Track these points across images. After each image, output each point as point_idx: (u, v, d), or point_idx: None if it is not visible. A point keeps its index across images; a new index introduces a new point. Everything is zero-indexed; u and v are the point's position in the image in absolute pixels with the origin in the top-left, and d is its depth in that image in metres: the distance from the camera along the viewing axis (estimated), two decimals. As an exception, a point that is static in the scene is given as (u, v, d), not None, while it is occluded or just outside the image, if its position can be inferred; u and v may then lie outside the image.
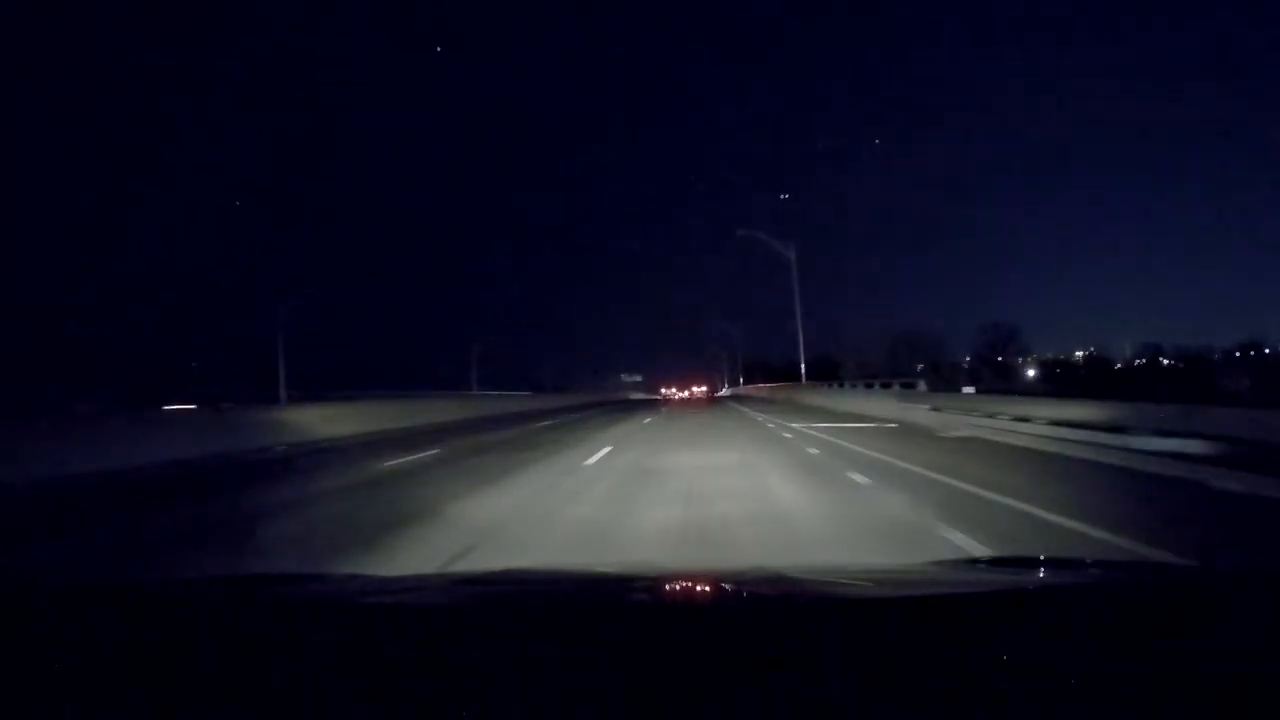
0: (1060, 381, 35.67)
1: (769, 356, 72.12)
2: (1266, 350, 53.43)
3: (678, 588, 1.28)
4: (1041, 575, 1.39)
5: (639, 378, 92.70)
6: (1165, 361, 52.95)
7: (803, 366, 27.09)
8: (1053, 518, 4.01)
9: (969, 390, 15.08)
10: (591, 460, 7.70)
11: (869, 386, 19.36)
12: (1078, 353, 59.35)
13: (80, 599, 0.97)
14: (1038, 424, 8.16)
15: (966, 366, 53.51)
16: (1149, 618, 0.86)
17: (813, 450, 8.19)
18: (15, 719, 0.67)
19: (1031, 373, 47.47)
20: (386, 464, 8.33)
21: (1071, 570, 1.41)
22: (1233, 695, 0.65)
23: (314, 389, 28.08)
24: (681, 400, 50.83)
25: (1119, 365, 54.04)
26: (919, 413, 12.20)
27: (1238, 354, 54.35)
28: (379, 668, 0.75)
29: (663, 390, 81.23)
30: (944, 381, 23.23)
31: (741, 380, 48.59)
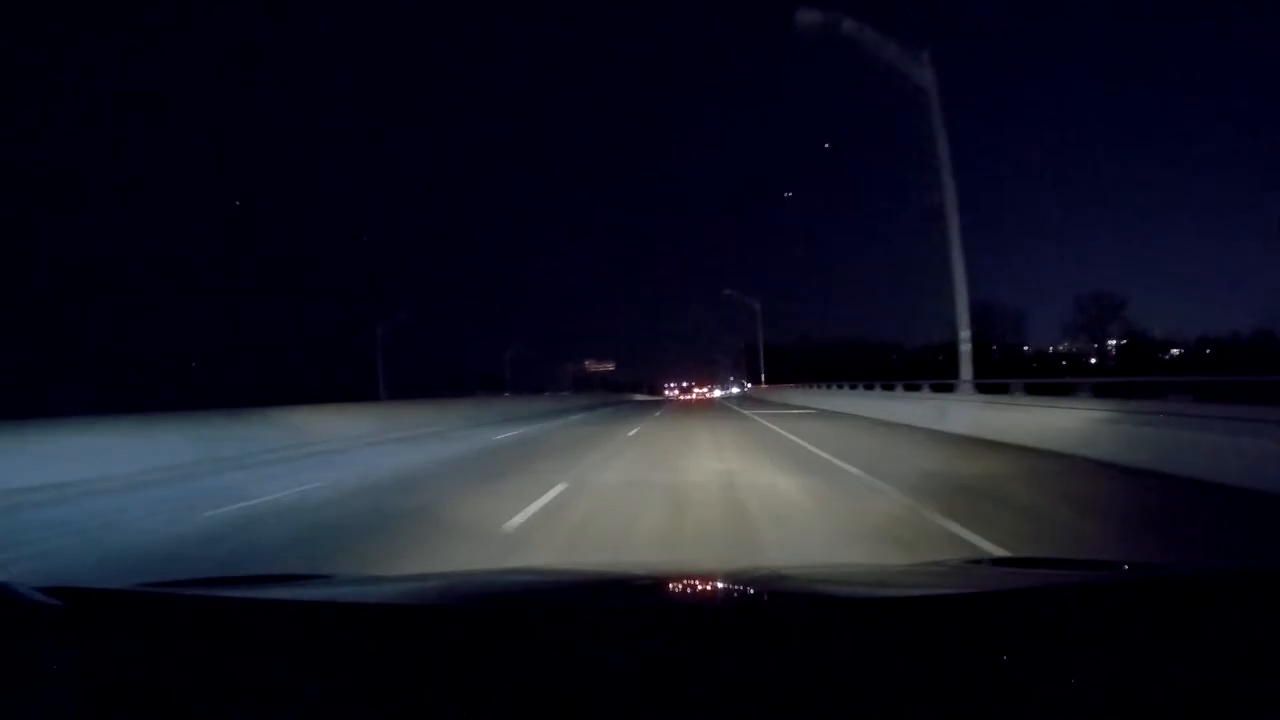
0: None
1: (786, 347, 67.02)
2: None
3: (678, 588, 1.27)
4: (1043, 575, 1.38)
5: (611, 365, 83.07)
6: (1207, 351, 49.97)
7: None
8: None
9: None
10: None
11: (887, 389, 18.06)
12: (1110, 342, 55.65)
13: (78, 601, 0.96)
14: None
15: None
16: (1152, 619, 0.84)
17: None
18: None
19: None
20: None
21: (1073, 571, 1.41)
22: (1234, 696, 0.67)
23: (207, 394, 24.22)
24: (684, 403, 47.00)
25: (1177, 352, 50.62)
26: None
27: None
28: (378, 668, 0.74)
29: (665, 390, 79.12)
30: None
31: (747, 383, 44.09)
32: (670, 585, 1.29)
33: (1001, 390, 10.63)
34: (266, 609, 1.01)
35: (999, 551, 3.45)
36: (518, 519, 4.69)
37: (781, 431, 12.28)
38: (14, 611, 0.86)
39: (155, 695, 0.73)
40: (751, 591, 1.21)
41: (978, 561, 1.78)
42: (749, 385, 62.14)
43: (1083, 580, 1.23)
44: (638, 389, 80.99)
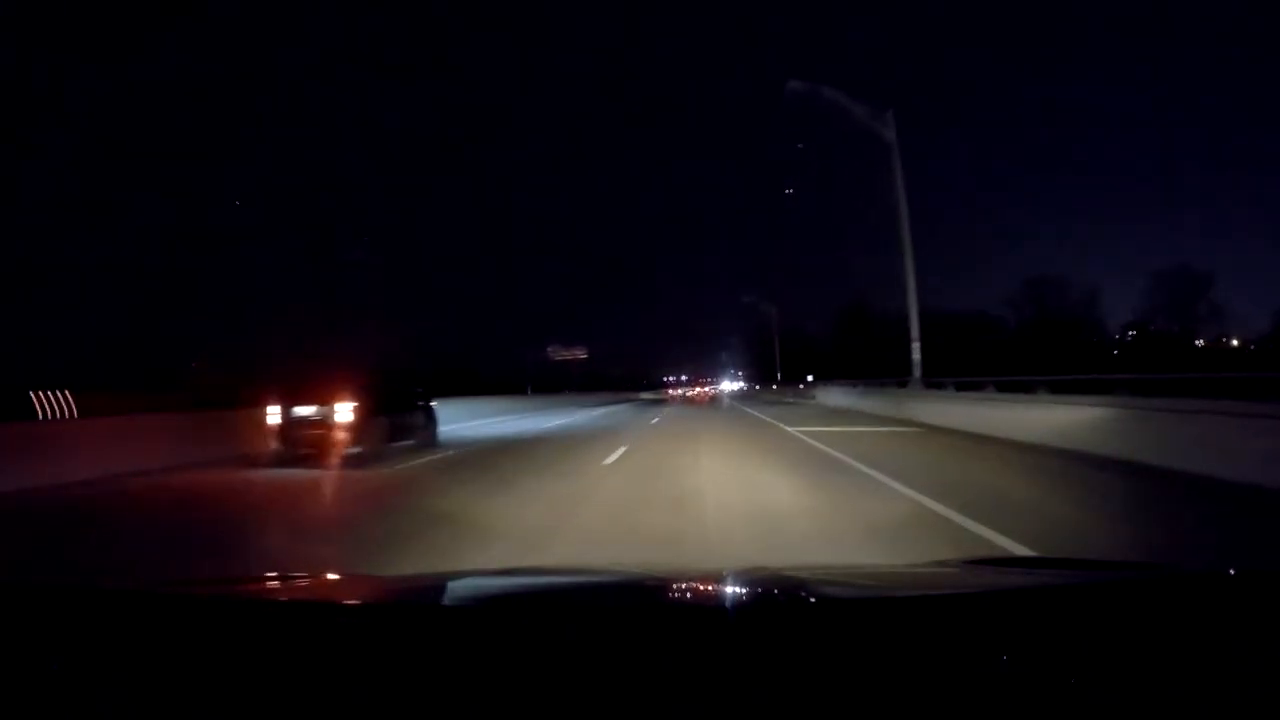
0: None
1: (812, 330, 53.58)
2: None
3: (679, 589, 1.30)
4: (1043, 575, 1.38)
5: (583, 353, 63.36)
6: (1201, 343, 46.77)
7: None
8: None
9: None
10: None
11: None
12: (1130, 333, 53.16)
13: (75, 600, 0.95)
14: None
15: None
16: (1153, 620, 0.84)
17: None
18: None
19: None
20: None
21: (1074, 571, 1.40)
22: (1236, 697, 0.68)
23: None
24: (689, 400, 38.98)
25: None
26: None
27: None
28: (376, 668, 0.74)
29: (669, 390, 67.60)
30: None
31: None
32: (671, 586, 1.31)
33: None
34: (265, 609, 1.01)
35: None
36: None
37: None
38: (14, 611, 0.88)
39: (153, 695, 0.74)
40: (752, 592, 1.23)
41: (979, 561, 1.70)
42: (811, 379, 40.08)
43: (1083, 580, 1.24)
44: (636, 385, 68.08)
